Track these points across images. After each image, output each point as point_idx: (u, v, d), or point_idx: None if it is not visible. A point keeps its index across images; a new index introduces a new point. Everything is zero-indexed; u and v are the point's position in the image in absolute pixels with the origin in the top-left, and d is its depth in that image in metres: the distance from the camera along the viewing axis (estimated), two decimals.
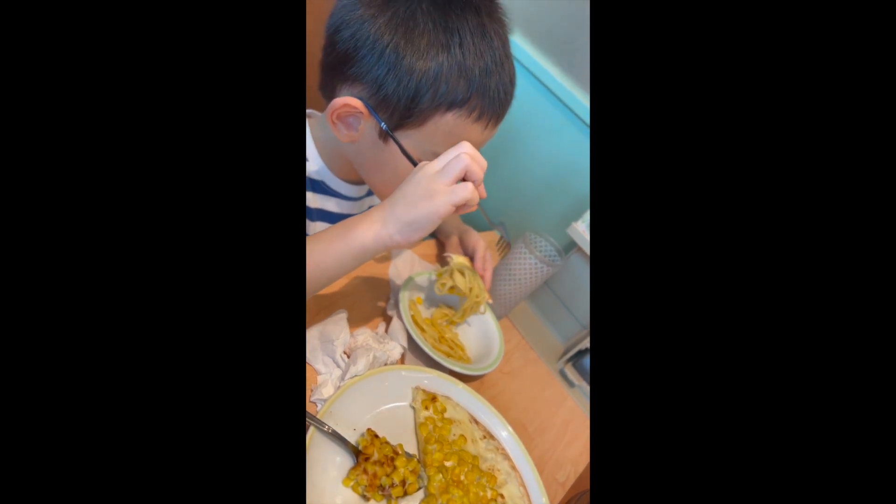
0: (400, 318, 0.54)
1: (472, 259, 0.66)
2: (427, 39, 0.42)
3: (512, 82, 0.48)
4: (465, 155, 0.39)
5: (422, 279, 0.62)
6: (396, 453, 0.41)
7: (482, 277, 0.65)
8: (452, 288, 0.59)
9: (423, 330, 0.55)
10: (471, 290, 0.59)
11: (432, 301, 0.64)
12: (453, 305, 0.65)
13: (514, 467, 0.49)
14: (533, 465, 0.49)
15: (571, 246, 0.72)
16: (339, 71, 0.46)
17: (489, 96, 0.46)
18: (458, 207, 0.39)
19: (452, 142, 0.46)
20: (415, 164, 0.47)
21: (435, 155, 0.47)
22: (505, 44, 0.47)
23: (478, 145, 0.49)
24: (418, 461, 0.43)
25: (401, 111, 0.45)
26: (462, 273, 0.61)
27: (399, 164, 0.48)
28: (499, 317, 0.71)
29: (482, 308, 0.62)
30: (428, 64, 0.43)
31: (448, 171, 0.39)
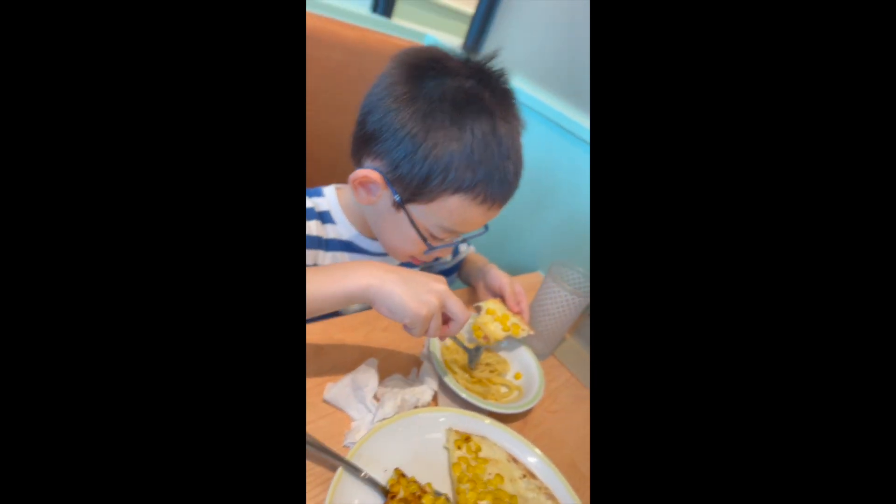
0: (430, 360, 0.56)
1: (502, 297, 0.68)
2: (443, 134, 0.49)
3: (516, 174, 0.53)
4: (462, 318, 0.49)
5: None
6: (424, 492, 0.42)
7: (520, 313, 0.66)
8: (486, 338, 0.61)
9: (453, 372, 0.57)
10: (506, 321, 0.61)
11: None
12: (492, 349, 0.66)
13: None
14: None
15: None
16: (366, 146, 0.54)
17: (493, 185, 0.51)
18: (425, 324, 0.46)
19: (456, 218, 0.53)
20: (420, 234, 0.53)
21: (440, 227, 0.54)
22: (514, 140, 0.52)
23: (483, 221, 0.55)
24: (447, 499, 0.42)
25: (413, 189, 0.51)
26: (494, 317, 0.62)
27: (408, 230, 0.54)
28: (543, 356, 0.69)
29: (522, 334, 0.62)
30: (440, 154, 0.49)
31: (447, 304, 0.48)
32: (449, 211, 0.51)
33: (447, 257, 0.81)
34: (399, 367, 0.58)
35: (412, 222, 0.53)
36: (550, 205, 1.03)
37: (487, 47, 1.10)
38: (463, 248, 0.85)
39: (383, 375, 0.53)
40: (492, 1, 1.04)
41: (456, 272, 0.85)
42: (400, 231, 0.54)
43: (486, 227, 0.62)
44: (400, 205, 0.52)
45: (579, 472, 0.54)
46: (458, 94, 0.48)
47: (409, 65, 0.50)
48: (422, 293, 0.46)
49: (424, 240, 0.53)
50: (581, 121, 0.97)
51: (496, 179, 0.50)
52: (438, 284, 0.48)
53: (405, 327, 0.47)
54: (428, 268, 0.84)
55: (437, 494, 0.42)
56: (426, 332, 0.47)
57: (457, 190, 0.50)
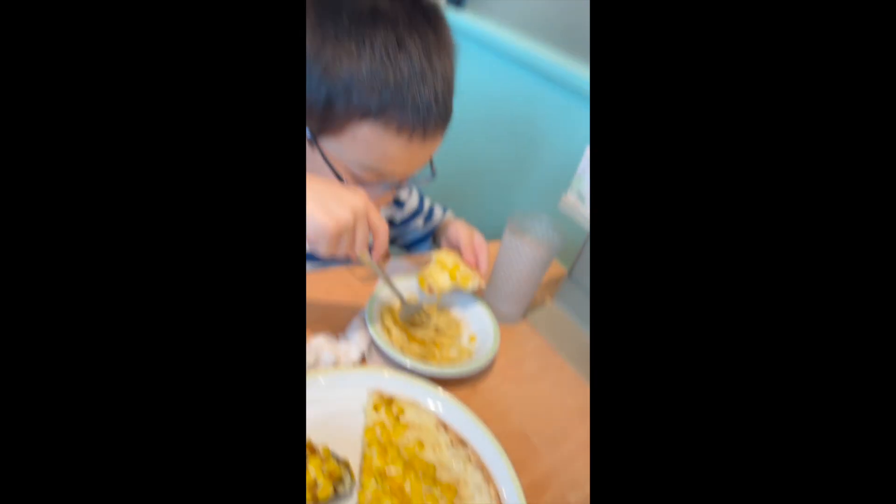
0: (363, 317, 0.51)
1: (460, 251, 0.61)
2: (337, 48, 0.43)
3: (439, 100, 0.45)
4: (383, 232, 0.44)
5: (404, 284, 0.59)
6: (313, 452, 0.36)
7: (476, 264, 0.60)
8: (430, 289, 0.55)
9: (388, 331, 0.51)
10: (456, 271, 0.55)
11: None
12: (445, 307, 0.59)
13: (489, 479, 0.40)
14: (515, 478, 0.40)
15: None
16: None
17: (406, 110, 0.44)
18: (333, 241, 0.40)
19: (374, 152, 0.46)
20: (335, 172, 0.48)
21: (360, 164, 0.48)
22: (433, 61, 0.45)
23: (409, 159, 0.48)
24: (343, 464, 0.37)
25: (317, 117, 0.46)
26: (443, 267, 0.56)
27: (326, 172, 0.49)
28: (512, 320, 0.62)
29: (471, 285, 0.56)
30: (337, 72, 0.43)
31: (369, 219, 0.42)
32: (364, 143, 0.45)
33: (407, 214, 0.75)
34: (335, 329, 0.53)
35: (325, 159, 0.47)
36: (539, 163, 0.95)
37: (470, 3, 1.03)
38: (438, 213, 0.79)
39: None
40: None
41: (430, 238, 0.79)
42: (320, 174, 0.49)
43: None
44: (311, 140, 0.47)
45: (530, 442, 0.47)
46: (356, 6, 0.42)
47: None
48: (332, 204, 0.40)
49: (340, 178, 0.48)
50: (573, 69, 0.88)
51: (409, 104, 0.43)
52: (356, 198, 0.42)
53: (308, 244, 0.41)
54: (399, 235, 0.79)
55: (336, 458, 0.37)
56: (334, 252, 0.41)
57: (364, 115, 0.44)
